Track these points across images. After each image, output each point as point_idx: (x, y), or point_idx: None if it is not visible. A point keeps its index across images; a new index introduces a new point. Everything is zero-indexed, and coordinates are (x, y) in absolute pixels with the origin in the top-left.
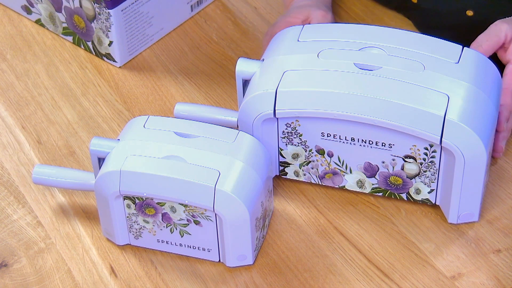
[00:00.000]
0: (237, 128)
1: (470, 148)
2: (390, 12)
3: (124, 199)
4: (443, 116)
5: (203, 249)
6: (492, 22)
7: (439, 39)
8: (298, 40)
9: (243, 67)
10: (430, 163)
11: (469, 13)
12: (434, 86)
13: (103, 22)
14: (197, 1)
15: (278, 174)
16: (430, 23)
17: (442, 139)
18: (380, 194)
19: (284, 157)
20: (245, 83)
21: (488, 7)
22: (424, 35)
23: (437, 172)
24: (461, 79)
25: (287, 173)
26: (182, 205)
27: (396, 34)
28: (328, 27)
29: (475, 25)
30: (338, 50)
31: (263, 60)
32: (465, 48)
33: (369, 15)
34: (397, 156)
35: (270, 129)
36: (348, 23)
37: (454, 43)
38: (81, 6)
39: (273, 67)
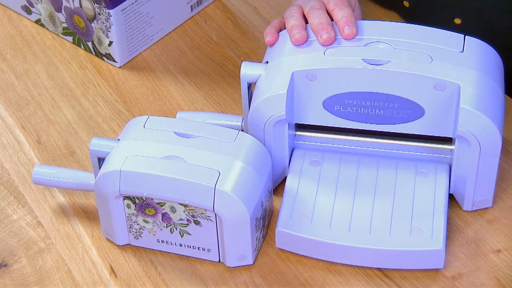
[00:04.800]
0: None
1: (486, 134)
2: (390, 12)
3: (124, 199)
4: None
5: (203, 249)
6: (480, 31)
7: (439, 29)
8: None
9: (248, 70)
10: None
11: (457, 21)
12: (444, 76)
13: (103, 22)
14: (197, 1)
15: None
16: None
17: (458, 127)
18: None
19: None
20: (248, 86)
21: (476, 16)
22: (424, 26)
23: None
24: (469, 67)
25: None
26: (182, 205)
27: (397, 27)
28: None
29: (463, 33)
30: (345, 47)
31: (267, 62)
32: (467, 36)
33: (369, 15)
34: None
35: (281, 131)
36: None
37: (455, 33)
38: (81, 6)
39: (279, 68)
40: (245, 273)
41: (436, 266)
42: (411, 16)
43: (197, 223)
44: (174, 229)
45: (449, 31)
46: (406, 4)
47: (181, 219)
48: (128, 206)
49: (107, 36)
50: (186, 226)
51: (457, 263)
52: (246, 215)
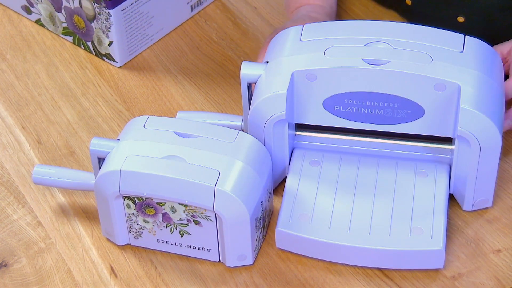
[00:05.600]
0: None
1: (486, 134)
2: (390, 12)
3: (124, 199)
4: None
5: (203, 249)
6: (483, 29)
7: (440, 29)
8: (300, 40)
9: (248, 70)
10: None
11: (460, 19)
12: (444, 76)
13: (103, 22)
14: (197, 1)
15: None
16: (423, 25)
17: (458, 127)
18: None
19: None
20: (248, 86)
21: (479, 14)
22: (425, 26)
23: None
24: (469, 67)
25: None
26: (182, 205)
27: (397, 27)
28: (329, 25)
29: (466, 31)
30: (345, 47)
31: (267, 62)
32: (466, 36)
33: (369, 15)
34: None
35: (281, 131)
36: (349, 20)
37: (455, 33)
38: (81, 6)
39: (279, 68)
40: (245, 273)
41: (436, 266)
42: (413, 14)
43: (197, 223)
44: (174, 229)
45: (449, 31)
46: (408, 2)
47: (181, 219)
48: (128, 206)
49: (107, 36)
50: (186, 226)
51: (457, 263)
52: (246, 215)
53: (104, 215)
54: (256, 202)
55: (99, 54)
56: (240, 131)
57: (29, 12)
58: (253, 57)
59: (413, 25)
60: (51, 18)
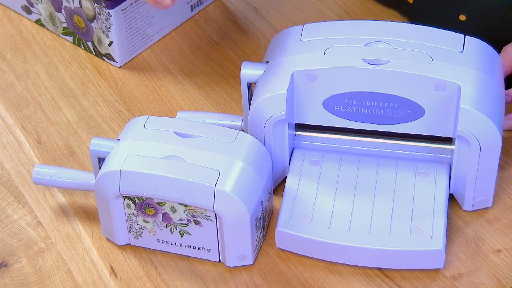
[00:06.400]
0: None
1: (486, 134)
2: (390, 11)
3: (124, 199)
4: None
5: (203, 249)
6: (485, 28)
7: (440, 29)
8: (301, 40)
9: (248, 70)
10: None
11: (462, 18)
12: (444, 76)
13: (103, 22)
14: (197, 1)
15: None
16: (424, 25)
17: (458, 128)
18: None
19: None
20: (248, 86)
21: (481, 13)
22: (425, 26)
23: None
24: (469, 67)
25: None
26: (182, 205)
27: (398, 27)
28: (329, 25)
29: (468, 30)
30: (345, 47)
31: (267, 62)
32: (467, 36)
33: (369, 15)
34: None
35: (281, 131)
36: (349, 20)
37: (455, 33)
38: (81, 6)
39: (280, 68)
40: (245, 273)
41: (436, 266)
42: (415, 12)
43: (197, 223)
44: (174, 229)
45: (449, 31)
46: (410, 0)
47: (181, 219)
48: (128, 206)
49: (107, 36)
50: (186, 226)
51: (457, 263)
52: (246, 215)
53: (104, 215)
54: (256, 202)
55: (99, 54)
56: (240, 131)
57: (29, 12)
58: (253, 57)
59: (413, 25)
60: (51, 18)
